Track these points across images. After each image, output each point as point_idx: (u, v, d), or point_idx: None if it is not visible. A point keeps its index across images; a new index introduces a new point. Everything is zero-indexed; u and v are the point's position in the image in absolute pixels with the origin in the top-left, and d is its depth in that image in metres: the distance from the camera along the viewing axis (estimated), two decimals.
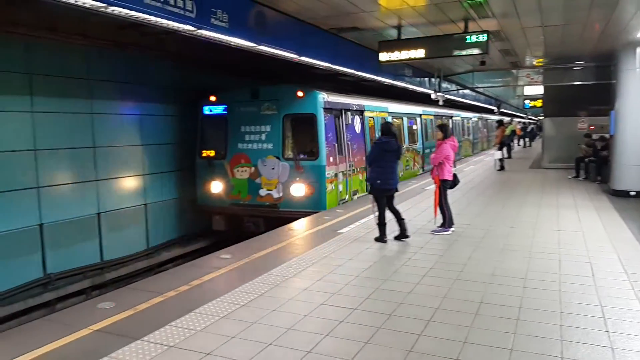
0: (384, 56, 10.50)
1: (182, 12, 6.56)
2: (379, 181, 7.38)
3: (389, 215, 7.55)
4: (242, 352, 3.95)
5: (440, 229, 8.09)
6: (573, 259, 6.58)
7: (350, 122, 11.69)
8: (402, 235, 7.54)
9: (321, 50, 10.53)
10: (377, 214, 7.50)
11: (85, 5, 5.58)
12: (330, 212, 10.15)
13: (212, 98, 11.55)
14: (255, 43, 8.18)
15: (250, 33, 8.01)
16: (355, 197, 11.89)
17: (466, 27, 9.99)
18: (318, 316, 4.70)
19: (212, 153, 11.65)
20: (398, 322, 4.54)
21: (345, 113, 11.49)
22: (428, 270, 6.15)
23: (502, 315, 4.69)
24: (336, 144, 11.00)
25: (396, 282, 5.75)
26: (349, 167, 11.52)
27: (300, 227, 8.73)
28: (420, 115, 17.82)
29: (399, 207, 7.74)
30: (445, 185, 8.07)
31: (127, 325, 4.53)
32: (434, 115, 19.41)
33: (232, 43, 7.87)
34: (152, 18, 6.21)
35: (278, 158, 10.80)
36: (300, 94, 10.62)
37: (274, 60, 9.93)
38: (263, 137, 11.02)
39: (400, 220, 7.53)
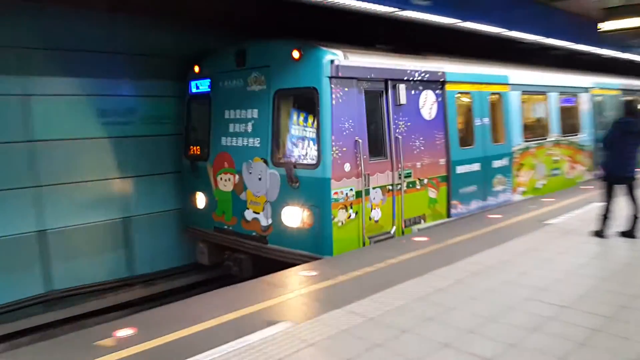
0: (607, 25, 9.11)
1: None
2: (613, 166, 6.44)
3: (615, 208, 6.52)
4: (439, 335, 3.90)
5: None
6: None
7: (404, 101, 7.07)
8: (630, 233, 6.50)
9: (531, 23, 9.63)
10: (604, 204, 6.58)
11: None
12: (533, 200, 9.20)
13: (196, 69, 8.09)
14: (460, 19, 7.87)
15: (454, 9, 7.73)
16: (417, 227, 7.35)
17: None
18: (522, 310, 4.37)
19: (198, 150, 8.24)
20: (620, 327, 3.98)
21: (395, 86, 7.00)
22: None
23: None
24: (360, 141, 6.50)
25: (618, 283, 5.03)
26: (399, 177, 7.05)
27: (497, 215, 8.17)
28: (587, 89, 11.87)
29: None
30: None
31: (328, 293, 4.87)
32: (621, 90, 13.33)
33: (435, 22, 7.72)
34: (355, 3, 6.42)
35: (266, 162, 6.98)
36: (296, 54, 6.54)
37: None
38: (249, 127, 7.21)
39: (637, 217, 6.46)
